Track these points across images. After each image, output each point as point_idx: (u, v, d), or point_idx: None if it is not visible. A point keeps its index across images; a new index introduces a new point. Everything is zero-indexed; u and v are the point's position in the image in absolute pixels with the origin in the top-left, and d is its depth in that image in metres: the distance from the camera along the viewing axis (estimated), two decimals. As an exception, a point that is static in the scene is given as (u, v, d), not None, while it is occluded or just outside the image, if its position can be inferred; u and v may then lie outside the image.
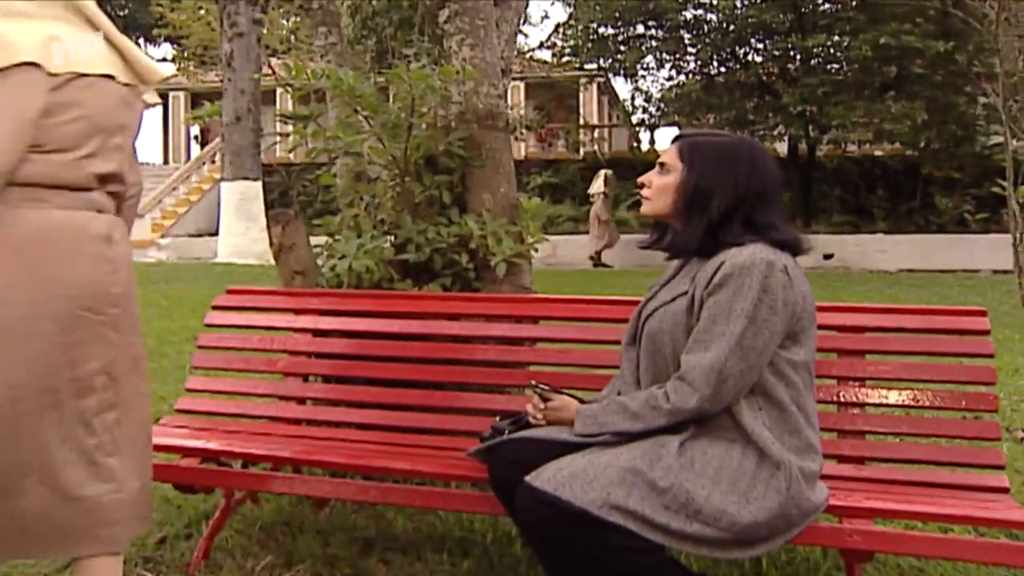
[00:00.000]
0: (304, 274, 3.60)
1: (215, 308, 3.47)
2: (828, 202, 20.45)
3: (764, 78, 20.07)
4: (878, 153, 20.91)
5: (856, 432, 2.71)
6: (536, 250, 3.66)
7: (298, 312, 3.39)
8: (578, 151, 23.40)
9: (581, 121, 25.13)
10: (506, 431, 2.46)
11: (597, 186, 16.70)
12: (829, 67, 19.27)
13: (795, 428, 2.20)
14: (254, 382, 3.44)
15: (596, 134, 24.33)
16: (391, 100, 3.82)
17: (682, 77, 21.50)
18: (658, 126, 22.35)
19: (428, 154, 3.68)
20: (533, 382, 2.48)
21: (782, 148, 20.54)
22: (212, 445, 2.91)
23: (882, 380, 2.76)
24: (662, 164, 2.36)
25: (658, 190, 2.35)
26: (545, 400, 2.42)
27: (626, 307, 3.16)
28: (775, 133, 19.18)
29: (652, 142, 23.34)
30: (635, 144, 23.95)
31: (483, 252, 3.54)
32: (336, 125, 3.68)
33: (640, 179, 2.40)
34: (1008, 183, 9.00)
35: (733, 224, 2.24)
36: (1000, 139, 16.99)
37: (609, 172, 17.10)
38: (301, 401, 3.31)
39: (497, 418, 2.58)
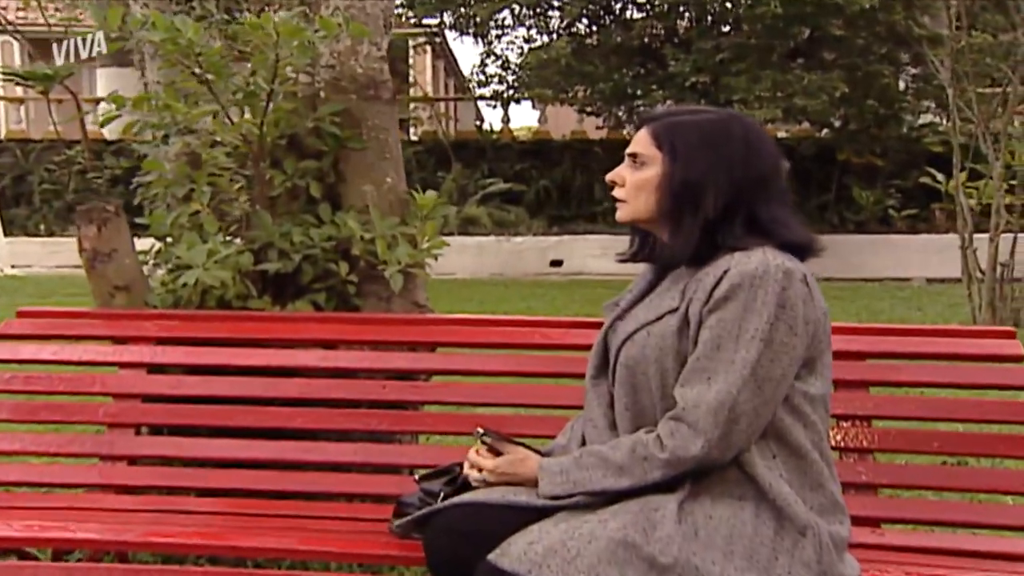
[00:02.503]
0: (128, 290, 3.50)
1: (2, 338, 3.32)
2: (725, 196, 20.96)
3: (648, 41, 20.51)
4: (782, 135, 21.60)
5: (863, 485, 2.76)
6: (436, 257, 3.62)
7: (124, 341, 3.30)
8: (410, 131, 23.29)
9: (417, 92, 25.06)
10: (440, 494, 2.40)
11: None
12: (728, 28, 19.83)
13: (818, 481, 2.21)
14: (65, 437, 3.33)
15: (435, 109, 24.30)
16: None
17: (546, 38, 21.75)
18: (516, 99, 22.52)
19: (290, 132, 3.61)
20: (480, 429, 2.41)
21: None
22: (12, 531, 2.75)
23: (891, 419, 2.82)
24: (633, 156, 2.34)
25: (635, 189, 2.33)
26: (495, 453, 2.36)
27: (557, 329, 3.20)
28: (661, 108, 19.51)
29: (506, 119, 23.47)
30: (479, 122, 24.04)
31: (366, 260, 3.48)
32: (166, 92, 3.54)
33: (608, 177, 2.38)
34: (955, 173, 9.47)
35: (733, 223, 2.25)
36: (930, 118, 17.94)
37: None
38: (132, 461, 3.19)
39: (416, 476, 2.52)
